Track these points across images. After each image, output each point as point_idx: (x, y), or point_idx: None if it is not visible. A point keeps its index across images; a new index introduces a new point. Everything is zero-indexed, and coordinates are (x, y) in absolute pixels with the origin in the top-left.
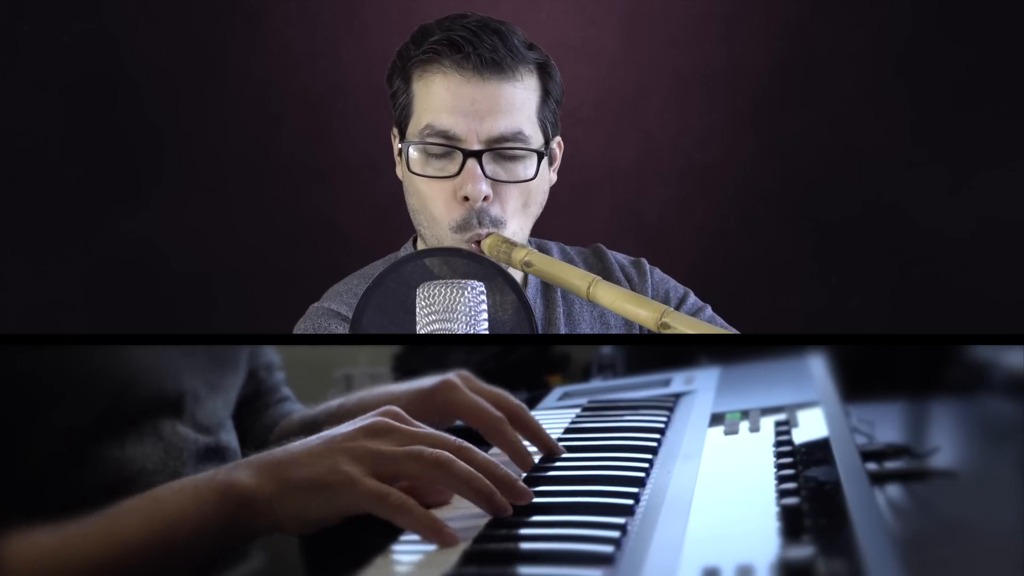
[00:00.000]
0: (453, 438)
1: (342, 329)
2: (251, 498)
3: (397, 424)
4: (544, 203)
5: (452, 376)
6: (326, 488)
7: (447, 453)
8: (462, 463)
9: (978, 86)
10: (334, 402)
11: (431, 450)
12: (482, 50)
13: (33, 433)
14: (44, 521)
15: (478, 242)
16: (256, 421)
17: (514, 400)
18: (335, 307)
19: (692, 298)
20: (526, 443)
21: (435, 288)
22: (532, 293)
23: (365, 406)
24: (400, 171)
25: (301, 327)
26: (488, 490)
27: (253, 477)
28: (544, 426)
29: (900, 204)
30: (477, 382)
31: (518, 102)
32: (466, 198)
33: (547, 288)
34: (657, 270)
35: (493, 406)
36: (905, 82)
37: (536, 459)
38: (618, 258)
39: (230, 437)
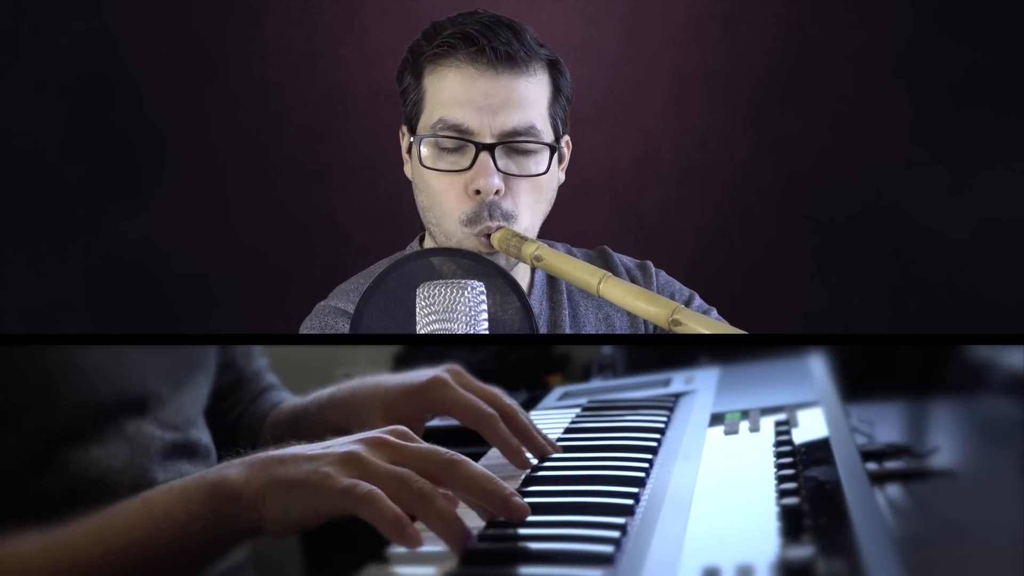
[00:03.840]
0: (446, 453)
1: (348, 327)
2: (238, 494)
3: (395, 440)
4: (552, 201)
5: (442, 372)
6: (304, 486)
7: (431, 487)
8: (443, 501)
9: (978, 86)
10: (325, 391)
11: (419, 479)
12: (496, 44)
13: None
14: (16, 528)
15: (488, 235)
16: (243, 413)
17: (506, 399)
18: (342, 305)
19: (697, 300)
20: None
21: (435, 288)
22: (538, 294)
23: (356, 396)
24: (408, 169)
25: (308, 326)
26: (460, 535)
27: (243, 473)
28: (544, 426)
29: (900, 204)
30: (468, 378)
31: (531, 97)
32: (478, 191)
33: (552, 290)
34: (663, 272)
35: (485, 403)
36: (905, 82)
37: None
38: (623, 260)
39: (201, 434)
